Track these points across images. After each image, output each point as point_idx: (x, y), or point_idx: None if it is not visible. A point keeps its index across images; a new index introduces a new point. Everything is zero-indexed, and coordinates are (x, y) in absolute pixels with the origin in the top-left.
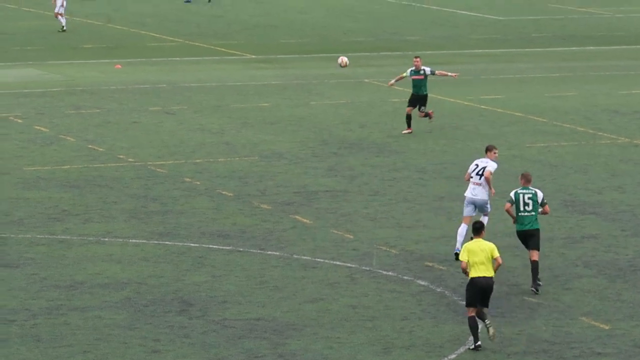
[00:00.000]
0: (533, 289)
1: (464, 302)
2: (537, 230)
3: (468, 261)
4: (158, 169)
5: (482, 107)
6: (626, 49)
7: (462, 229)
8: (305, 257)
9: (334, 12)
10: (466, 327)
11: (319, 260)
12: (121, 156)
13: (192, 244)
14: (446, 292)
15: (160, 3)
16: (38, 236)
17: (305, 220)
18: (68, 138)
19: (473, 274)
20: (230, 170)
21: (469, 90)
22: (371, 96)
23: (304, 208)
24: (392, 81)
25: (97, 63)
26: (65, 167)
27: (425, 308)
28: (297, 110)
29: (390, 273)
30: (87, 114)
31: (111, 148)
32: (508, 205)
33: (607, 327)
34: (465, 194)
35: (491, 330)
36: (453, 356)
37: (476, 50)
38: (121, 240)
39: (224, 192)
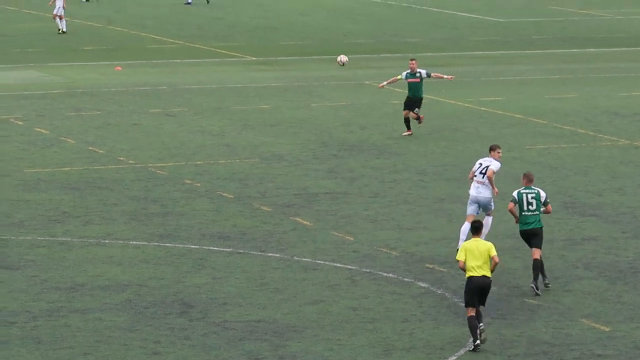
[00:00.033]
0: (533, 285)
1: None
2: (541, 228)
3: (465, 260)
4: (158, 171)
5: (482, 109)
6: (626, 51)
7: (466, 227)
8: (305, 259)
9: (335, 14)
10: (467, 329)
11: (319, 262)
12: (121, 158)
13: (193, 246)
14: (447, 294)
15: (160, 5)
16: (38, 238)
17: (305, 222)
18: (68, 140)
19: (470, 273)
20: (230, 172)
21: (469, 92)
22: (371, 98)
23: (305, 210)
24: (384, 83)
25: (98, 65)
26: (66, 169)
27: (426, 310)
28: (298, 112)
29: (390, 275)
30: (88, 116)
31: (111, 150)
32: (511, 205)
33: (607, 329)
34: (470, 192)
35: (482, 335)
36: (453, 358)
37: (476, 52)
38: (121, 242)
39: (224, 194)
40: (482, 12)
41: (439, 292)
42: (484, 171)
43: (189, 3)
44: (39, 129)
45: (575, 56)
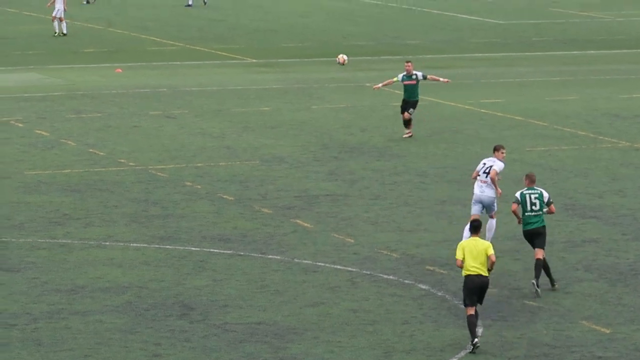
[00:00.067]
0: (534, 282)
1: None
2: (544, 227)
3: (463, 259)
4: (159, 173)
5: (483, 111)
6: (627, 53)
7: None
8: (306, 261)
9: (335, 16)
10: (467, 332)
11: (319, 264)
12: (122, 160)
13: (193, 248)
14: (447, 296)
15: (160, 7)
16: (39, 240)
17: (306, 224)
18: (69, 142)
19: (467, 272)
20: (231, 174)
21: (469, 94)
22: (372, 100)
23: (305, 212)
24: (379, 85)
25: (98, 67)
26: (66, 171)
27: (426, 312)
28: (298, 114)
29: (391, 277)
30: (88, 118)
31: (112, 152)
32: (515, 206)
33: (607, 331)
34: (474, 191)
35: (475, 350)
36: None
37: (476, 54)
38: (122, 244)
39: (224, 196)
40: (482, 14)
41: (439, 294)
42: (487, 171)
43: (189, 5)
44: (39, 131)
45: (576, 58)
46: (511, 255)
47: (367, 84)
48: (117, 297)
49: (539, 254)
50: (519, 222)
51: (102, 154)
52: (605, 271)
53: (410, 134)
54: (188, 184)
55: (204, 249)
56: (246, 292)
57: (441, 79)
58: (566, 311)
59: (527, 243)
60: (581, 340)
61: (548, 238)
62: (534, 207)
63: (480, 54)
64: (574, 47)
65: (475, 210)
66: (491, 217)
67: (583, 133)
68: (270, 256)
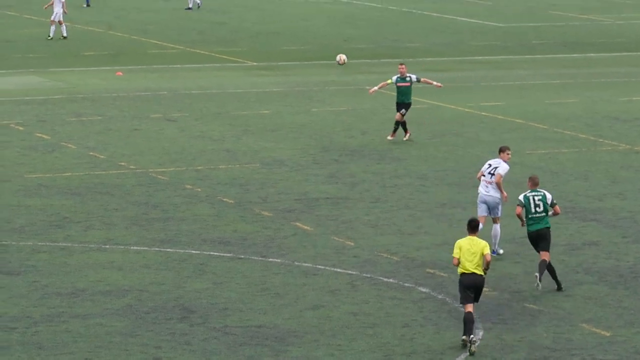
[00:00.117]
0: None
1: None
2: (549, 230)
3: (460, 258)
4: (159, 176)
5: (483, 113)
6: (627, 56)
7: None
8: (306, 264)
9: (335, 19)
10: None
11: (320, 267)
12: (122, 163)
13: (193, 251)
14: (447, 299)
15: (161, 10)
16: (39, 243)
17: (306, 227)
18: (69, 145)
19: (461, 270)
20: (231, 177)
21: (469, 97)
22: (372, 103)
23: (305, 215)
24: (375, 88)
25: (98, 70)
26: (67, 174)
27: (427, 315)
28: (298, 117)
29: (391, 280)
30: (88, 121)
31: (112, 155)
32: (519, 209)
33: (608, 334)
34: (479, 190)
35: (473, 347)
36: None
37: (477, 57)
38: (122, 247)
39: (225, 199)
40: (482, 17)
41: (439, 297)
42: (492, 172)
43: (189, 8)
44: (39, 135)
45: (576, 61)
46: (511, 258)
47: (368, 87)
48: (118, 300)
49: (545, 255)
50: (522, 225)
51: (102, 157)
52: (606, 274)
53: (408, 134)
54: (188, 187)
55: (204, 252)
56: (246, 295)
57: (434, 83)
58: (566, 314)
59: (528, 246)
60: (581, 343)
61: None
62: (537, 209)
63: (480, 57)
64: (574, 50)
65: (481, 211)
66: (495, 222)
67: (583, 136)
68: (270, 259)
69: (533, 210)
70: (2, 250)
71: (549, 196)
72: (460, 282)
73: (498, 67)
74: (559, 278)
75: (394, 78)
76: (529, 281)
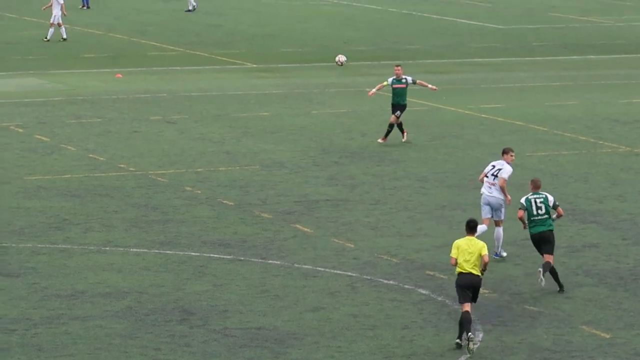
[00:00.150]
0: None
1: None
2: (552, 232)
3: (457, 258)
4: (159, 178)
5: (483, 116)
6: (627, 58)
7: (481, 228)
8: (306, 266)
9: (335, 21)
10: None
11: (319, 269)
12: (122, 165)
13: (193, 253)
14: (447, 301)
15: (161, 12)
16: (39, 245)
17: (306, 229)
18: (69, 147)
19: (459, 269)
20: (231, 179)
21: (469, 99)
22: (372, 105)
23: (305, 217)
24: (374, 90)
25: (98, 72)
26: (66, 176)
27: (426, 317)
28: (298, 119)
29: (391, 282)
30: (88, 123)
31: (112, 157)
32: (521, 212)
33: (607, 336)
34: (482, 191)
35: (471, 345)
36: None
37: (476, 59)
38: (122, 249)
39: (224, 201)
40: (482, 19)
41: (439, 299)
42: (495, 173)
43: (189, 10)
44: (39, 137)
45: (576, 63)
46: (512, 260)
47: (367, 89)
48: (117, 302)
49: (548, 258)
50: (525, 227)
51: (102, 159)
52: (606, 276)
53: (405, 134)
54: (188, 189)
55: (204, 254)
56: (246, 297)
57: (429, 86)
58: (566, 316)
59: (528, 248)
60: (581, 345)
61: None
62: (539, 211)
63: (480, 59)
64: (574, 52)
65: (485, 213)
66: (498, 225)
67: (583, 138)
68: (270, 261)
69: (535, 212)
70: (2, 252)
71: (550, 198)
72: (457, 281)
73: (498, 69)
74: (560, 280)
75: (390, 80)
76: (529, 283)
